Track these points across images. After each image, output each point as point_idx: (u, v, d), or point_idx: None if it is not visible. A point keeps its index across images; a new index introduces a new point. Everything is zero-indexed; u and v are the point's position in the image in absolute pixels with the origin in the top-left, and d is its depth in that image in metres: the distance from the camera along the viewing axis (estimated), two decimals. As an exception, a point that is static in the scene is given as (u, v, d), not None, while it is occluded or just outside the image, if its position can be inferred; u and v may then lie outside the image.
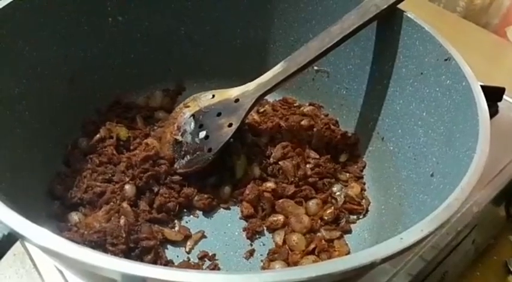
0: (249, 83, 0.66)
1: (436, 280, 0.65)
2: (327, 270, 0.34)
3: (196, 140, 0.64)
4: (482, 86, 0.51)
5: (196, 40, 0.75)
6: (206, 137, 0.64)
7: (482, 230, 0.72)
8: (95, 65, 0.68)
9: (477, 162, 0.43)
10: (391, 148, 0.65)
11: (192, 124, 0.66)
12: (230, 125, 0.64)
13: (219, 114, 0.66)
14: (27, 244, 0.60)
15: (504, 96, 0.84)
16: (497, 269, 0.74)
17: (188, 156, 0.64)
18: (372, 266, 0.35)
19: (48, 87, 0.61)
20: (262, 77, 0.66)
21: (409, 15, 0.61)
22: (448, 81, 0.55)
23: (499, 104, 0.84)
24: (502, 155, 0.76)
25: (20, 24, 0.56)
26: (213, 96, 0.68)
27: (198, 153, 0.63)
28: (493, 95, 0.82)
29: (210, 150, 0.63)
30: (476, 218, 0.68)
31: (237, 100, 0.66)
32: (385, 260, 0.35)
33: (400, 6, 0.62)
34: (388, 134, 0.66)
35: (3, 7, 0.54)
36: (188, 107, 0.68)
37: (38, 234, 0.35)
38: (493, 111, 0.83)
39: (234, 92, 0.67)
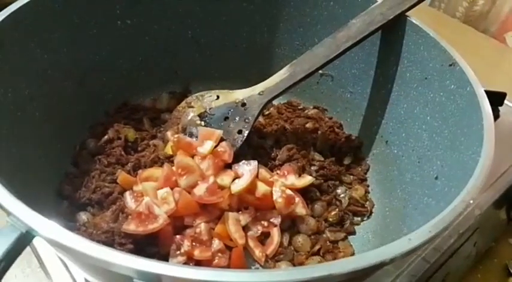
0: (254, 86, 0.67)
1: (438, 282, 0.66)
2: (336, 269, 0.34)
3: None
4: (484, 91, 0.53)
5: (203, 43, 0.76)
6: None
7: (484, 232, 0.73)
8: (104, 68, 0.69)
9: (482, 166, 0.44)
10: (395, 151, 0.66)
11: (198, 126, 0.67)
12: (240, 131, 0.65)
13: (225, 119, 0.67)
14: (35, 244, 0.61)
15: (505, 101, 0.85)
16: (498, 272, 0.75)
17: None
18: (380, 265, 0.36)
19: (57, 89, 0.62)
20: (268, 81, 0.66)
21: (413, 20, 0.62)
22: (453, 86, 0.56)
23: (500, 108, 0.85)
24: (503, 159, 0.77)
25: (31, 27, 0.57)
26: (218, 97, 0.69)
27: None
28: (495, 99, 0.83)
29: None
30: (477, 221, 0.69)
31: (243, 104, 0.66)
32: (393, 260, 0.36)
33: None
34: (392, 138, 0.67)
35: (15, 11, 0.55)
36: (192, 107, 0.69)
37: (57, 233, 0.36)
38: (495, 116, 0.83)
39: (239, 94, 0.68)
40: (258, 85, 0.67)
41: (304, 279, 0.34)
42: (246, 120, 0.65)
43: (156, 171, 0.61)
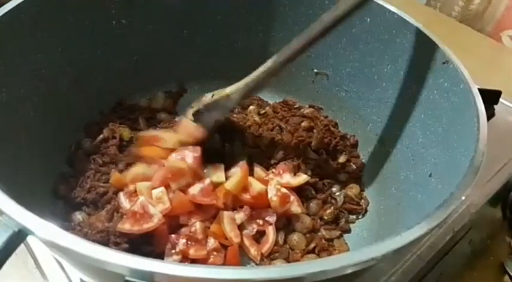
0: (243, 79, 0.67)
1: (433, 280, 0.66)
2: (329, 266, 0.35)
3: None
4: (479, 89, 0.53)
5: (199, 43, 0.76)
6: None
7: (479, 230, 0.73)
8: (99, 67, 0.69)
9: (475, 163, 0.44)
10: (390, 149, 0.66)
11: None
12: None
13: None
14: (30, 244, 0.61)
15: (500, 99, 0.85)
16: (494, 270, 0.75)
17: None
18: (372, 262, 0.36)
19: (52, 89, 0.62)
20: (253, 73, 0.66)
21: (407, 19, 0.62)
22: (446, 84, 0.56)
23: (495, 107, 0.86)
24: (498, 157, 0.77)
25: (25, 27, 0.57)
26: (213, 96, 0.69)
27: None
28: (490, 98, 0.84)
29: None
30: (473, 219, 0.69)
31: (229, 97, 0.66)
32: (385, 257, 0.36)
33: (397, 9, 0.64)
34: (386, 136, 0.67)
35: (10, 10, 0.55)
36: (192, 107, 0.69)
37: (46, 229, 0.36)
38: (490, 114, 0.84)
39: (228, 89, 0.67)
40: (245, 78, 0.66)
41: (298, 275, 0.34)
42: (226, 108, 0.66)
43: (139, 168, 0.62)
